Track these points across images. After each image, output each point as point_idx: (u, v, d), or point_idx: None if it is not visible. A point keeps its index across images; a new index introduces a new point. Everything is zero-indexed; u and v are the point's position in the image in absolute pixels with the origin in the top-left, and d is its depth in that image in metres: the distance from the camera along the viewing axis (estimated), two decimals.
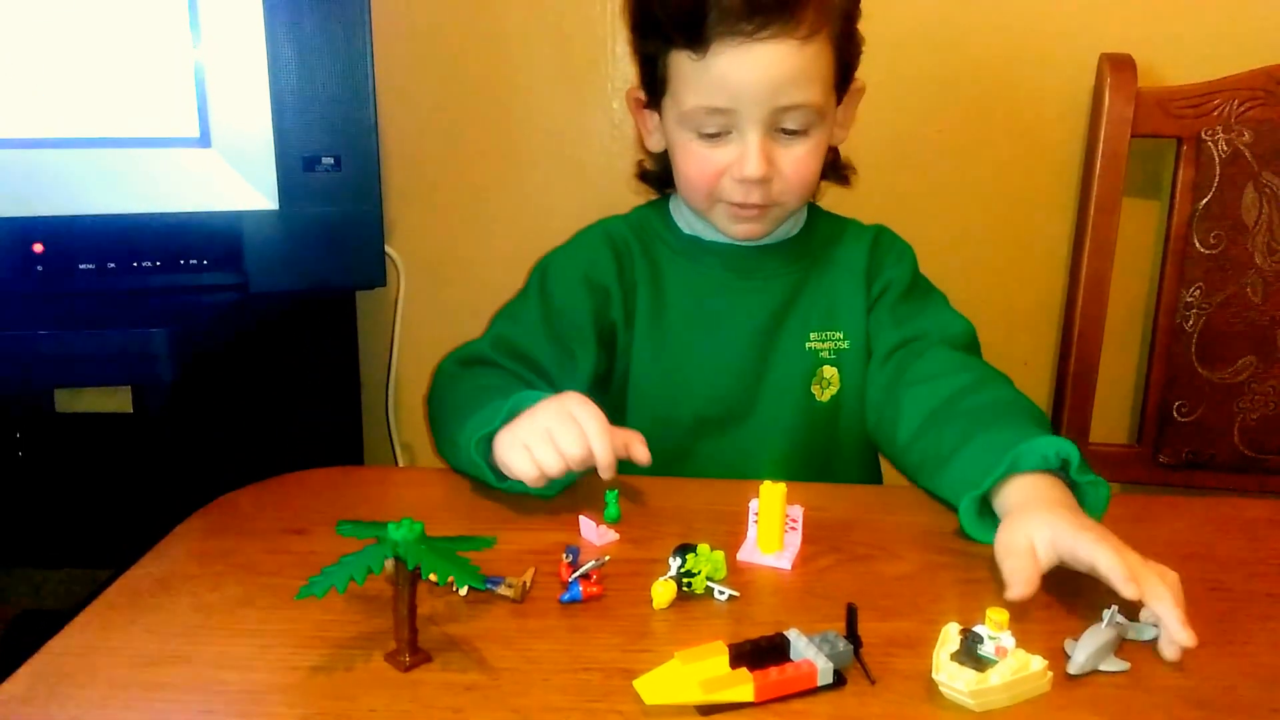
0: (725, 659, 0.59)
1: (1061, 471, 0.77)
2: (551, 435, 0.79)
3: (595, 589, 0.69)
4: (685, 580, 0.70)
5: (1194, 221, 1.29)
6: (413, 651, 0.62)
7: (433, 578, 0.69)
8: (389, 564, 0.62)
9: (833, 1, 0.91)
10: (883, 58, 1.30)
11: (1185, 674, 0.63)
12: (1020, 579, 0.66)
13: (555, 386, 0.94)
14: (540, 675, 0.61)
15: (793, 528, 0.76)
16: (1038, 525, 0.71)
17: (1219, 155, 1.27)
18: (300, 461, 0.93)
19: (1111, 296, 1.33)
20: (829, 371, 1.02)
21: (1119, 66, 1.29)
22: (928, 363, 0.93)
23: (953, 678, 0.58)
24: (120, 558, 0.77)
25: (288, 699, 0.59)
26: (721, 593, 0.70)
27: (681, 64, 0.92)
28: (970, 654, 0.60)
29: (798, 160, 0.93)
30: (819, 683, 0.59)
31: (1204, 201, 1.28)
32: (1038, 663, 0.60)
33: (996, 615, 0.60)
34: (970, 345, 0.98)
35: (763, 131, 0.91)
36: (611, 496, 0.81)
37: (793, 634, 0.62)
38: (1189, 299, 1.31)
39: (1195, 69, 1.29)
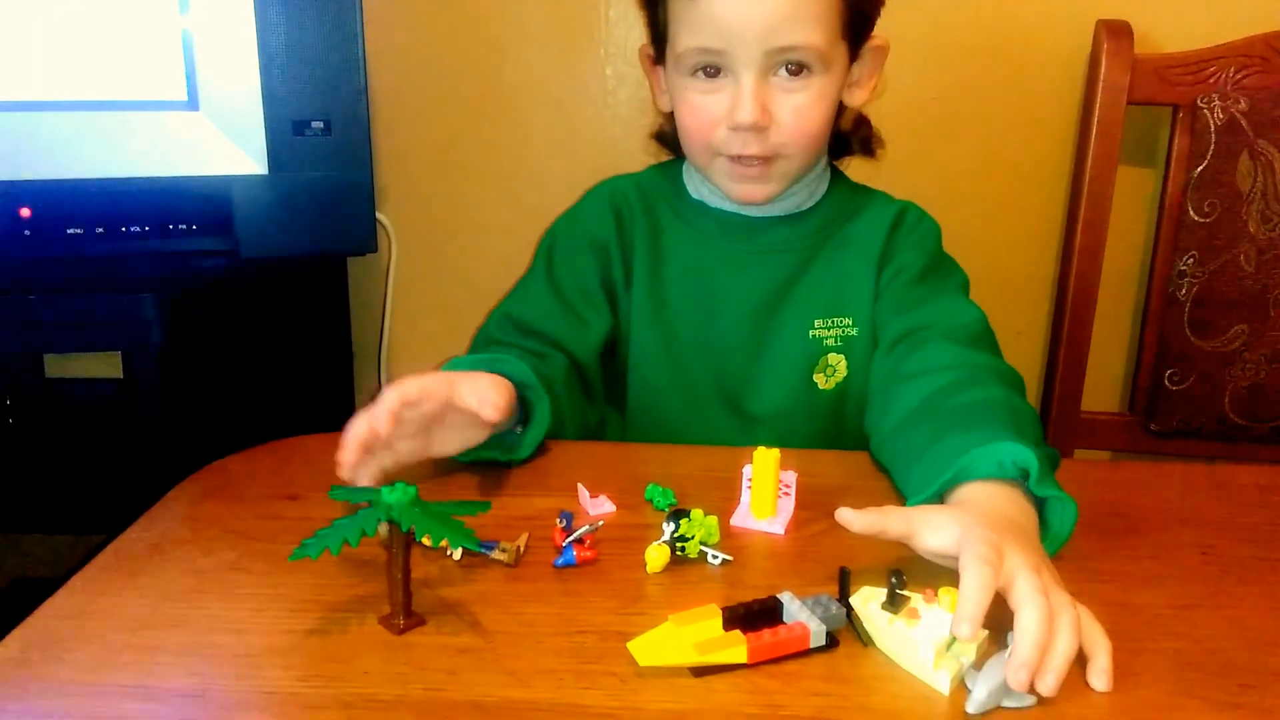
0: (719, 621, 0.59)
1: (1023, 482, 0.70)
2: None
3: (589, 553, 0.70)
4: (679, 545, 0.70)
5: (1189, 189, 1.29)
6: (407, 615, 0.62)
7: (426, 540, 0.69)
8: (383, 528, 0.62)
9: None
10: (880, 24, 1.29)
11: (1175, 636, 0.63)
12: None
13: (571, 356, 0.93)
14: (534, 638, 0.61)
15: (786, 493, 0.76)
16: (950, 525, 0.63)
17: (1215, 123, 1.27)
18: (292, 427, 0.92)
19: (1105, 264, 1.33)
20: (834, 359, 0.98)
21: (1115, 33, 1.28)
22: (923, 357, 0.87)
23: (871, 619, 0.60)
24: (111, 523, 0.76)
25: (282, 662, 0.59)
26: (715, 557, 0.70)
27: (677, 5, 0.89)
28: (893, 592, 0.60)
29: (798, 109, 0.88)
30: (811, 645, 0.60)
31: (1199, 169, 1.28)
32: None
33: (948, 594, 0.59)
34: (977, 337, 0.90)
35: (757, 75, 0.87)
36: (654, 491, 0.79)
37: (785, 597, 0.62)
38: (1182, 267, 1.31)
39: (1192, 36, 1.29)
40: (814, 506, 0.77)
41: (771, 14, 0.85)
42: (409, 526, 0.60)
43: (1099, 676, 0.57)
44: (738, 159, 0.91)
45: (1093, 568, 0.71)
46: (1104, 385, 1.44)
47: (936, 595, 0.60)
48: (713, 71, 0.89)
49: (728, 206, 0.99)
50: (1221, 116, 1.26)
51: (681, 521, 0.71)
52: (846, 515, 0.64)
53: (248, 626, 0.63)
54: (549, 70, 1.39)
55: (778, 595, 0.62)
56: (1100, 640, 0.58)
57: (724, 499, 0.77)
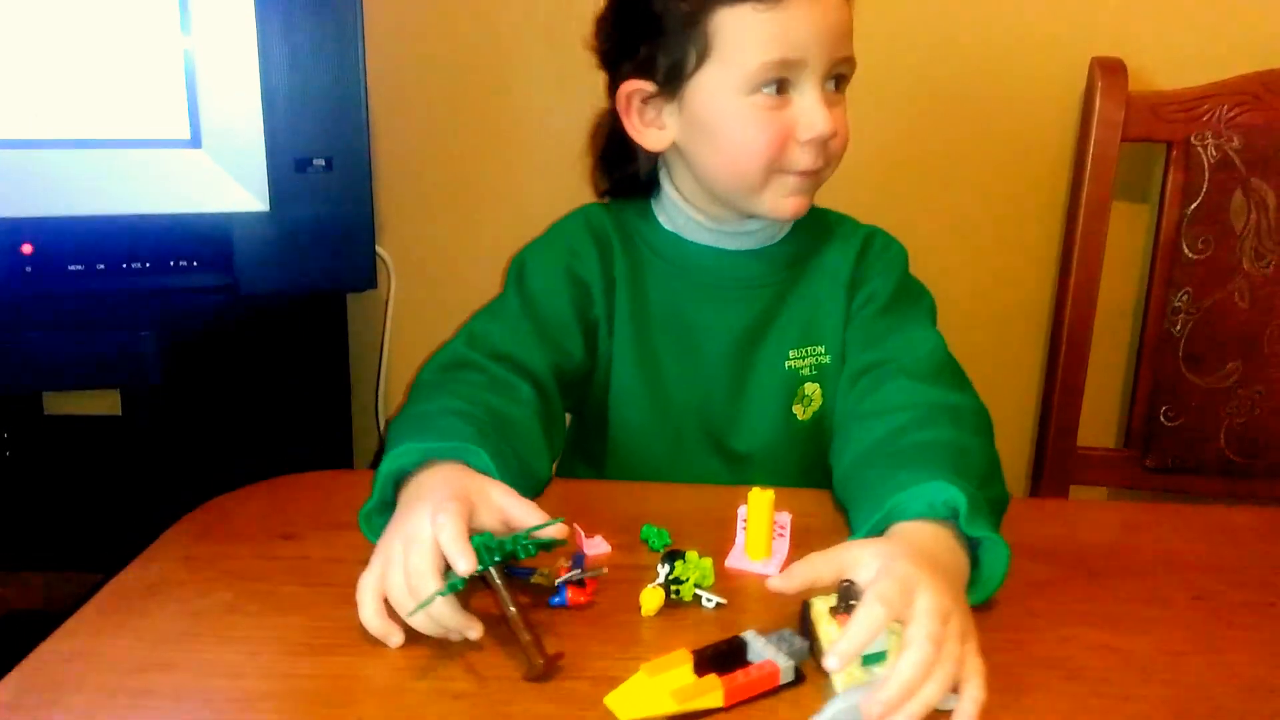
0: (689, 667, 0.60)
1: (954, 523, 0.70)
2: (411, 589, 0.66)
3: (582, 598, 0.70)
4: (673, 587, 0.70)
5: (1183, 226, 1.30)
6: (543, 651, 0.61)
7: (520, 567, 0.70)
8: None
9: None
10: (876, 59, 1.30)
11: (1165, 682, 0.63)
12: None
13: (542, 386, 0.91)
14: (528, 683, 0.61)
15: (780, 534, 0.77)
16: (873, 560, 0.64)
17: (1208, 160, 1.28)
18: (289, 464, 0.92)
19: (1100, 300, 1.34)
20: (810, 388, 0.98)
21: (1110, 70, 1.29)
22: (881, 396, 0.88)
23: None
24: (108, 561, 0.77)
25: (277, 706, 0.60)
26: (709, 600, 0.70)
27: (743, 19, 0.87)
28: (844, 600, 0.62)
29: (843, 119, 0.91)
30: (781, 681, 0.61)
31: (1193, 206, 1.29)
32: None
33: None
34: (936, 369, 0.90)
35: (820, 87, 0.89)
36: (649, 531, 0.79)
37: (749, 635, 0.63)
38: (1177, 304, 1.31)
39: (1186, 74, 1.30)
40: (809, 547, 0.76)
41: (838, 23, 0.88)
42: (500, 556, 0.64)
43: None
44: (803, 174, 0.91)
45: (1084, 610, 0.71)
46: (1100, 420, 1.44)
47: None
48: (783, 86, 0.88)
49: (703, 240, 0.98)
50: (1215, 154, 1.28)
51: (676, 563, 0.71)
52: (777, 584, 0.64)
53: (244, 670, 0.63)
54: (547, 105, 1.40)
55: (741, 635, 0.63)
56: (973, 693, 0.58)
57: (719, 539, 0.77)
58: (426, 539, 0.65)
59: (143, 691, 0.61)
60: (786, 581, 0.63)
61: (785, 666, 0.60)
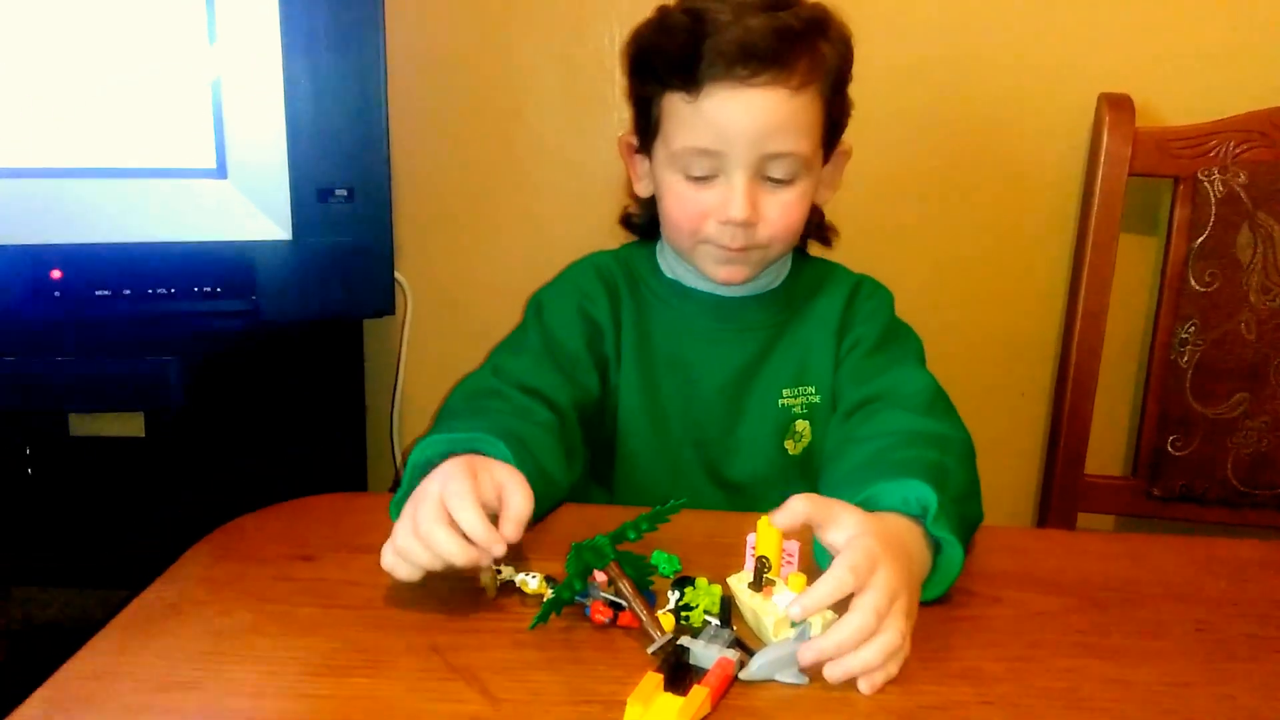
0: (661, 683, 0.62)
1: (922, 522, 0.75)
2: (427, 538, 0.72)
3: (600, 617, 0.71)
4: (683, 613, 0.72)
5: (1190, 259, 1.31)
6: (660, 629, 0.68)
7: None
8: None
9: (826, 58, 0.93)
10: (886, 94, 1.33)
11: (1167, 713, 0.64)
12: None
13: (562, 415, 0.95)
14: (541, 706, 0.63)
15: (789, 562, 0.78)
16: (850, 528, 0.69)
17: (1215, 195, 1.29)
18: (305, 487, 0.94)
19: (1108, 331, 1.35)
20: (801, 425, 1.04)
21: (1117, 106, 1.31)
22: (874, 424, 0.92)
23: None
24: (131, 578, 0.78)
25: None
26: (718, 626, 0.72)
27: (675, 105, 0.94)
28: (758, 576, 0.71)
29: (783, 207, 0.95)
30: (736, 671, 0.65)
31: (1200, 240, 1.31)
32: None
33: (796, 579, 0.69)
34: (928, 404, 0.94)
35: (749, 176, 0.93)
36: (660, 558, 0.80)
37: (685, 640, 0.67)
38: (1184, 335, 1.32)
39: (1193, 110, 1.32)
40: (817, 575, 0.79)
41: (768, 123, 0.91)
42: (606, 565, 0.71)
43: (866, 683, 0.65)
44: (727, 248, 0.97)
45: (1088, 642, 0.72)
46: (1107, 450, 1.45)
47: (787, 580, 0.69)
48: (706, 169, 0.94)
49: (702, 287, 1.04)
50: (1222, 189, 1.29)
51: (686, 590, 0.73)
52: (779, 519, 0.70)
53: (265, 690, 0.64)
54: (564, 136, 1.42)
55: (679, 643, 0.67)
56: (890, 668, 0.66)
57: (728, 566, 0.78)
58: (433, 496, 0.72)
59: (167, 710, 0.62)
60: (784, 516, 0.69)
61: (736, 658, 0.66)
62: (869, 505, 0.75)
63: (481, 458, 0.79)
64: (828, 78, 0.94)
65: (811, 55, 0.92)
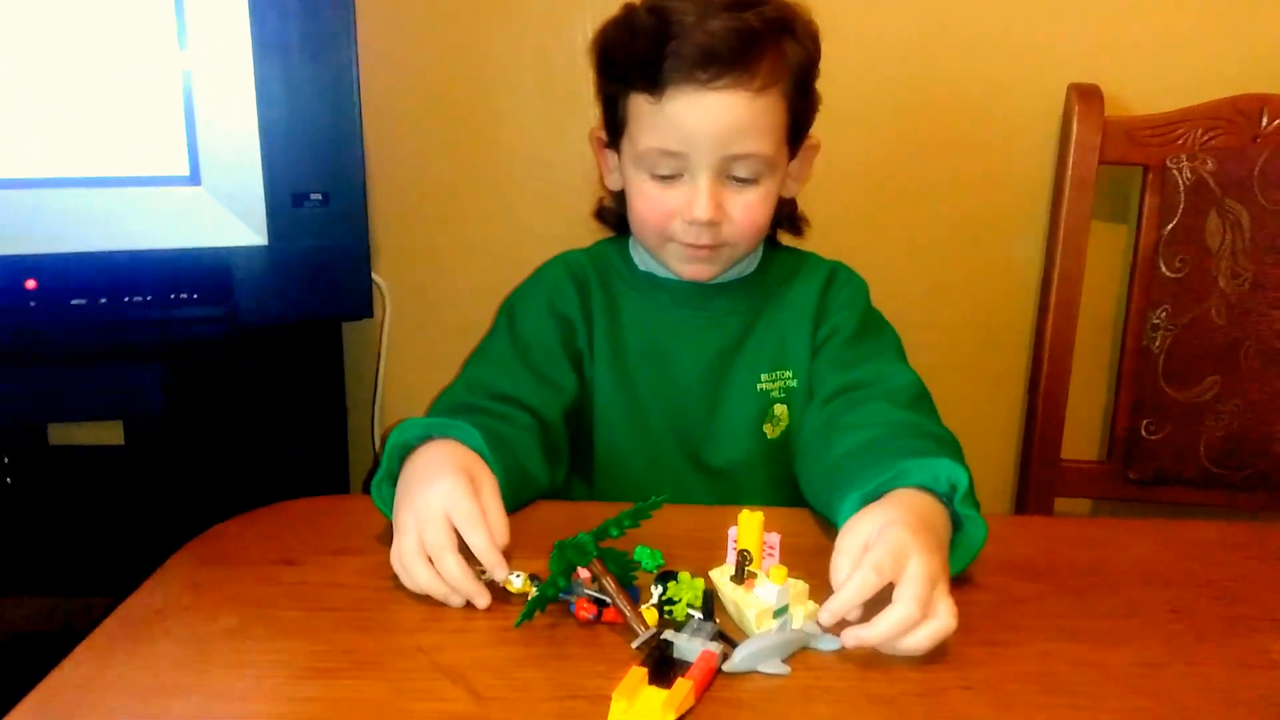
0: (645, 678, 0.63)
1: (948, 500, 0.77)
2: (434, 558, 0.75)
3: (585, 614, 0.72)
4: (667, 608, 0.72)
5: (1160, 246, 1.33)
6: (644, 625, 0.69)
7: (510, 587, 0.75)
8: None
9: (789, 59, 0.94)
10: (857, 85, 1.34)
11: (1142, 695, 0.66)
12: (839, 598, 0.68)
13: (539, 418, 0.96)
14: (527, 703, 0.63)
15: (770, 554, 0.79)
16: (865, 519, 0.72)
17: (1183, 182, 1.31)
18: (287, 490, 0.94)
19: (1081, 318, 1.37)
20: (779, 410, 1.05)
21: (1086, 96, 1.33)
22: (862, 413, 0.92)
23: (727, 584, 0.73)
24: (114, 586, 0.78)
25: None
26: (701, 619, 0.72)
27: (639, 106, 0.95)
28: (740, 568, 0.72)
29: (747, 206, 0.96)
30: (719, 664, 0.66)
31: (1169, 227, 1.32)
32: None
33: (778, 571, 0.70)
34: (914, 400, 0.95)
35: (713, 176, 0.94)
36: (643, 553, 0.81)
37: (669, 634, 0.68)
38: (1156, 321, 1.34)
39: (1160, 99, 1.33)
40: (799, 567, 0.79)
41: (729, 125, 0.92)
42: (589, 562, 0.72)
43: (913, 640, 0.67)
44: (692, 246, 0.98)
45: (1063, 625, 0.73)
46: (1083, 434, 1.47)
47: (769, 573, 0.70)
48: (671, 169, 0.95)
49: (675, 277, 1.05)
50: (1190, 176, 1.31)
51: (669, 584, 0.73)
52: (853, 640, 0.68)
53: (251, 694, 0.65)
54: (539, 134, 1.42)
55: (663, 637, 0.68)
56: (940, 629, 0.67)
57: (710, 559, 0.79)
58: (438, 515, 0.74)
59: (154, 716, 0.63)
60: (840, 608, 0.68)
61: (719, 651, 0.67)
62: (895, 482, 0.76)
63: (477, 463, 0.81)
64: (792, 77, 0.95)
65: (775, 56, 0.93)
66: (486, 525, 0.75)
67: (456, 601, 0.74)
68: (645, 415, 1.05)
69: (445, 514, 0.75)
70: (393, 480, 0.82)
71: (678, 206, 0.96)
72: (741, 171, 0.95)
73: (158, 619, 0.73)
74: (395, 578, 0.77)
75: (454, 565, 0.73)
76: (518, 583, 0.75)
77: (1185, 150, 1.31)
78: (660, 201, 0.97)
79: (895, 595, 0.67)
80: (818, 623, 0.69)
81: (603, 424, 1.06)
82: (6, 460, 1.28)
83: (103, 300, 1.04)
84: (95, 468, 1.28)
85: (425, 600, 0.75)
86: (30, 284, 1.03)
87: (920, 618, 0.66)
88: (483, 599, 0.73)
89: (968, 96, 1.39)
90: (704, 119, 0.92)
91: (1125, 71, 1.35)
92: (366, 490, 0.86)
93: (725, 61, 0.90)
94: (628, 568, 0.76)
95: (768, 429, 1.05)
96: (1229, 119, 1.31)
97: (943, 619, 0.67)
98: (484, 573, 0.75)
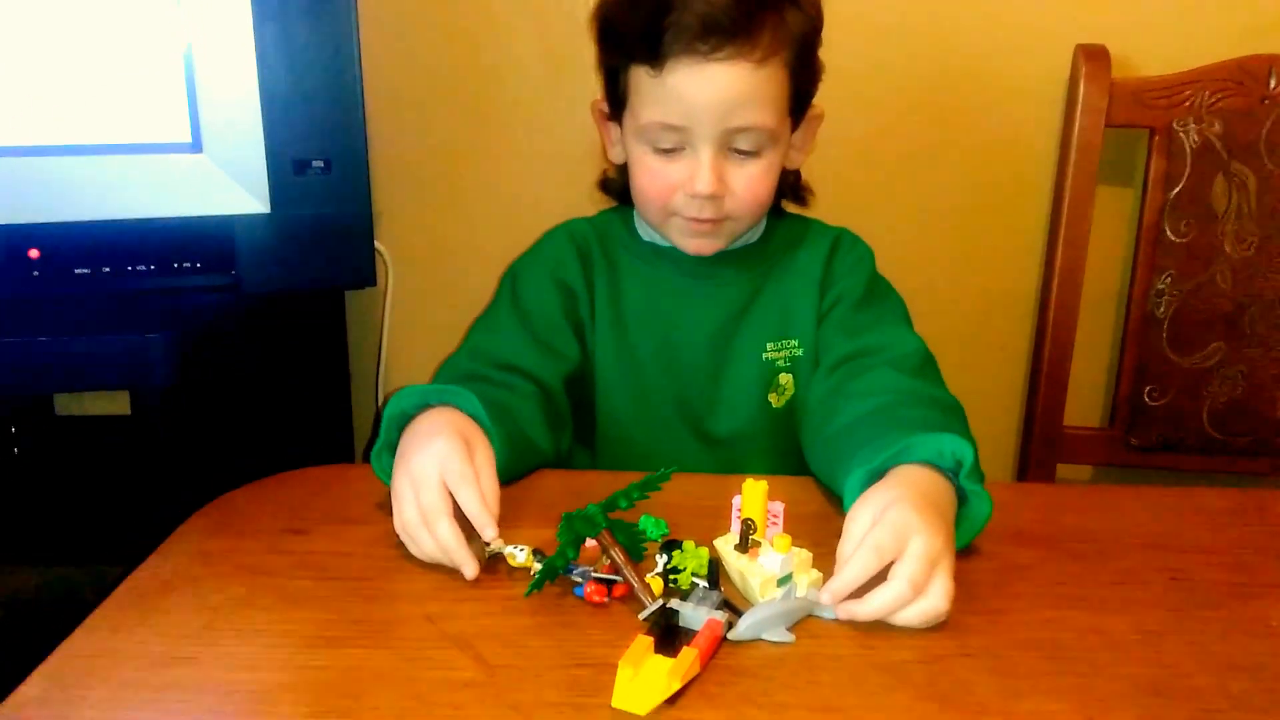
0: (651, 645, 0.64)
1: (953, 474, 0.77)
2: (427, 521, 0.76)
3: (598, 598, 0.72)
4: (671, 576, 0.73)
5: (1166, 210, 1.32)
6: (650, 595, 0.70)
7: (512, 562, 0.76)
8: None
9: (790, 28, 0.93)
10: (860, 48, 1.33)
11: (1143, 661, 0.66)
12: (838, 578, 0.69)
13: (541, 385, 0.97)
14: (535, 671, 0.64)
15: (774, 523, 0.79)
16: (871, 499, 0.73)
17: (1190, 145, 1.30)
18: (292, 459, 0.95)
19: (1085, 283, 1.37)
20: (784, 379, 1.05)
21: (1093, 57, 1.31)
22: (869, 380, 0.92)
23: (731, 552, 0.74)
24: (123, 555, 0.79)
25: (294, 698, 0.62)
26: (706, 588, 0.73)
27: (640, 79, 0.94)
28: (744, 537, 0.73)
29: (750, 179, 0.96)
30: (724, 632, 0.67)
31: (1175, 191, 1.32)
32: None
33: (781, 539, 0.71)
34: (920, 367, 0.96)
35: (715, 149, 0.93)
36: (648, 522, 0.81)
37: (675, 602, 0.69)
38: (1160, 286, 1.34)
39: (1167, 60, 1.32)
40: (802, 535, 0.80)
41: (731, 97, 0.91)
42: (598, 533, 0.73)
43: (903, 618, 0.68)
44: (696, 220, 0.97)
45: (1064, 592, 0.74)
46: (1086, 401, 1.47)
47: (773, 542, 0.71)
48: (673, 143, 0.95)
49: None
50: (1197, 139, 1.30)
51: (674, 553, 0.74)
52: (845, 614, 0.69)
53: (260, 663, 0.66)
54: (540, 101, 1.41)
55: (668, 604, 0.68)
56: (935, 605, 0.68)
57: (714, 528, 0.80)
58: (433, 479, 0.75)
59: (164, 685, 0.63)
60: (858, 607, 0.68)
61: (724, 619, 0.67)
62: (901, 457, 0.76)
63: (471, 427, 0.81)
64: (794, 47, 0.93)
65: (776, 27, 0.91)
66: (478, 485, 0.75)
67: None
68: (647, 385, 1.05)
69: (440, 477, 0.75)
70: (392, 449, 0.83)
71: (680, 180, 0.95)
72: (744, 144, 0.94)
73: (167, 589, 0.74)
74: (403, 546, 0.77)
75: (446, 529, 0.74)
76: (520, 556, 0.75)
77: (1192, 113, 1.30)
78: (662, 175, 0.96)
79: (891, 573, 0.68)
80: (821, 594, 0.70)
81: (605, 393, 1.06)
82: (14, 430, 1.29)
83: (106, 269, 1.04)
84: (102, 437, 1.28)
85: (433, 569, 0.76)
86: (33, 253, 1.03)
87: (912, 597, 0.67)
88: (470, 568, 0.73)
89: (972, 59, 1.38)
90: (705, 91, 0.91)
91: (1133, 32, 1.34)
92: (367, 460, 0.86)
93: (726, 32, 0.89)
94: (637, 539, 0.77)
95: (773, 398, 1.05)
96: (1237, 80, 1.30)
97: (933, 599, 0.67)
98: (488, 544, 0.75)
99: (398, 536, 0.78)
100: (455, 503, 0.76)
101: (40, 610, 1.11)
